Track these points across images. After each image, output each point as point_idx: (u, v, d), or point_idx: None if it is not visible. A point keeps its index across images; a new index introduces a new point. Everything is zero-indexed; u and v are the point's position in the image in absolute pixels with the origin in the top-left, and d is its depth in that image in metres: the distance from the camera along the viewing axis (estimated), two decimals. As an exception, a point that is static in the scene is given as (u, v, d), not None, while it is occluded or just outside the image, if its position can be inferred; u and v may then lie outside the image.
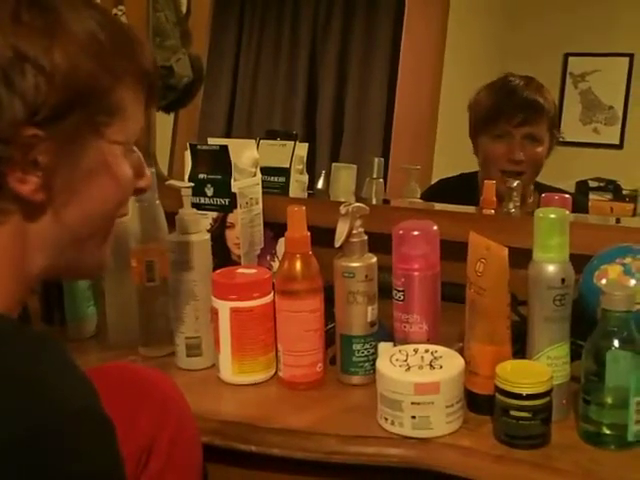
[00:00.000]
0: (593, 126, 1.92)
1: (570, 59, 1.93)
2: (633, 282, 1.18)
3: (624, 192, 1.85)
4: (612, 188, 1.88)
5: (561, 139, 1.87)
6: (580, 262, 1.24)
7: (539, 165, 1.83)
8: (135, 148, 0.96)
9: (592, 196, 1.88)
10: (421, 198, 1.85)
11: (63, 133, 0.85)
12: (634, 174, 1.83)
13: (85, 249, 0.95)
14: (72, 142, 0.86)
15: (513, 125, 1.81)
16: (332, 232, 1.24)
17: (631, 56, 1.86)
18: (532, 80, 1.83)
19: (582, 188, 1.89)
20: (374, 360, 1.21)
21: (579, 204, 1.74)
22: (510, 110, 1.83)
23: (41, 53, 0.82)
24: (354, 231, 1.23)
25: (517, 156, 1.81)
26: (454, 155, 2.03)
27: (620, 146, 1.91)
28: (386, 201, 1.87)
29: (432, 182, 1.97)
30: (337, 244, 1.23)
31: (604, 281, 1.20)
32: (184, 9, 2.18)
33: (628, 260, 1.21)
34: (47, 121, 0.83)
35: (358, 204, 1.23)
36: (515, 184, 1.67)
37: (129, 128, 0.93)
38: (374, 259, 1.24)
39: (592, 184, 1.89)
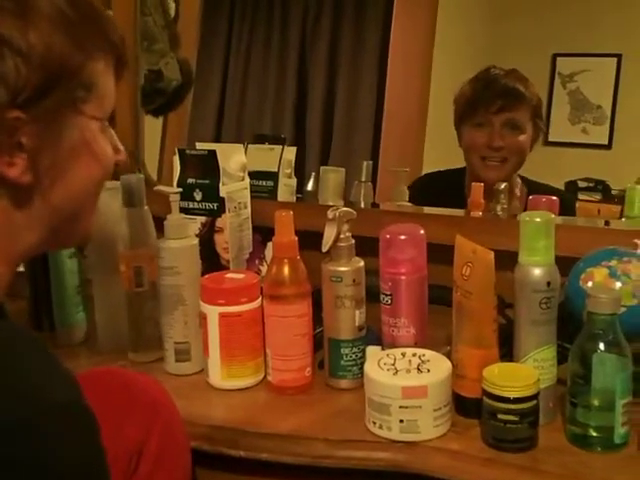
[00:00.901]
0: (582, 126, 1.93)
1: (559, 59, 1.93)
2: (619, 285, 1.18)
3: (613, 192, 1.86)
4: (601, 188, 1.89)
5: (545, 133, 1.88)
6: (567, 265, 1.24)
7: (521, 154, 1.83)
8: (107, 124, 0.97)
9: (581, 196, 1.89)
10: (408, 189, 1.85)
11: (44, 113, 0.86)
12: (623, 174, 1.83)
13: (73, 225, 0.97)
14: (53, 121, 0.87)
15: (492, 112, 1.82)
16: (320, 236, 1.24)
17: (619, 56, 1.87)
18: (514, 71, 1.83)
19: (571, 188, 1.90)
20: (362, 364, 1.21)
21: (567, 205, 1.74)
22: (488, 97, 1.83)
23: (17, 35, 0.83)
24: (342, 235, 1.23)
25: (496, 142, 1.81)
26: (443, 157, 2.03)
27: (609, 146, 1.91)
28: (375, 204, 1.88)
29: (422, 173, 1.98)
30: (325, 248, 1.23)
31: (590, 284, 1.20)
32: (172, 13, 2.17)
33: (614, 263, 1.21)
34: (28, 102, 0.84)
35: (346, 209, 1.23)
36: (502, 186, 1.68)
37: (104, 102, 0.93)
38: (361, 263, 1.25)
39: (581, 184, 1.90)
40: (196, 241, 1.35)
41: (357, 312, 1.24)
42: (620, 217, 1.64)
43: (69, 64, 0.87)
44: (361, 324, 1.25)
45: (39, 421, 0.71)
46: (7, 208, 0.88)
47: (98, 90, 0.91)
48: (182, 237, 1.32)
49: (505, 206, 1.69)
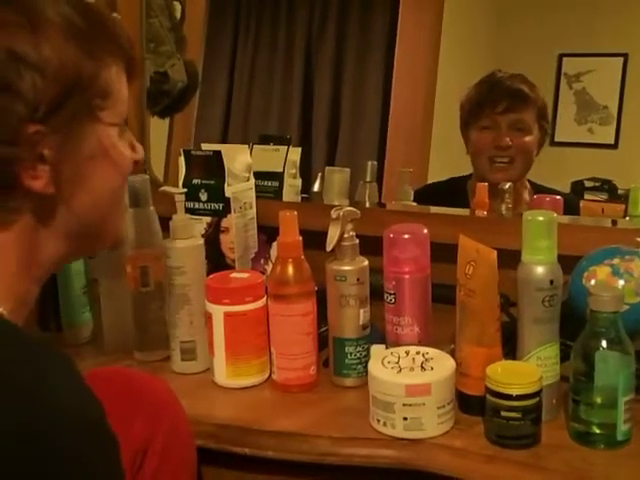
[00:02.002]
0: (588, 126, 1.93)
1: (564, 59, 1.94)
2: (621, 283, 1.19)
3: (619, 192, 1.86)
4: (607, 188, 1.89)
5: (551, 134, 1.88)
6: (571, 263, 1.25)
7: (529, 154, 1.84)
8: (125, 127, 0.98)
9: (587, 196, 1.89)
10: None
11: (63, 124, 0.86)
12: (629, 174, 1.83)
13: (100, 230, 0.98)
14: (72, 131, 0.88)
15: (498, 113, 1.83)
16: (325, 235, 1.25)
17: (625, 56, 1.87)
18: (519, 75, 1.85)
19: (577, 188, 1.90)
20: (366, 362, 1.22)
21: (570, 206, 1.75)
22: (494, 98, 1.84)
23: (31, 50, 0.83)
24: (346, 235, 1.24)
25: (504, 142, 1.82)
26: (449, 158, 2.04)
27: (615, 146, 1.92)
28: (381, 204, 1.88)
29: (428, 182, 1.98)
30: (329, 248, 1.24)
31: (593, 282, 1.21)
32: (178, 15, 2.19)
33: (616, 261, 1.22)
34: (46, 115, 0.85)
35: (349, 208, 1.24)
36: (507, 186, 1.68)
37: (119, 107, 0.94)
38: (366, 262, 1.25)
39: (587, 184, 1.90)
40: (202, 241, 1.36)
41: (361, 311, 1.25)
42: (624, 216, 1.64)
43: (84, 73, 0.88)
44: (365, 323, 1.26)
45: (58, 435, 0.72)
46: (32, 221, 0.89)
47: (113, 96, 0.92)
48: (188, 237, 1.33)
49: (510, 205, 1.70)
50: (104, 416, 0.79)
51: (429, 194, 1.90)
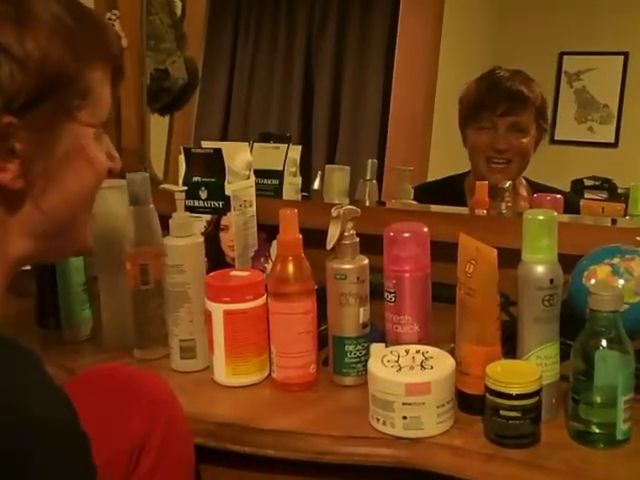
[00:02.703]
0: (588, 125, 1.93)
1: (565, 58, 1.94)
2: (621, 282, 1.19)
3: (619, 191, 1.86)
4: (607, 187, 1.89)
5: (551, 132, 1.89)
6: (571, 262, 1.25)
7: (525, 155, 1.84)
8: (102, 131, 0.98)
9: (587, 194, 1.89)
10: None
11: (39, 119, 0.86)
12: (629, 172, 1.83)
13: (67, 233, 0.97)
14: (47, 128, 0.88)
15: (497, 115, 1.83)
16: (325, 234, 1.25)
17: (626, 54, 1.87)
18: (519, 72, 1.85)
19: (577, 187, 1.90)
20: (366, 361, 1.22)
21: (571, 205, 1.75)
22: (493, 100, 1.84)
23: (14, 42, 0.84)
24: (346, 233, 1.23)
25: (501, 145, 1.83)
26: (449, 156, 2.04)
27: (615, 144, 1.91)
28: (381, 203, 1.89)
29: (426, 180, 1.98)
30: (329, 246, 1.24)
31: (593, 281, 1.21)
32: (179, 12, 2.19)
33: (616, 260, 1.22)
34: (22, 109, 0.85)
35: (350, 207, 1.24)
36: (506, 185, 1.69)
37: (99, 110, 0.94)
38: (366, 261, 1.25)
39: (587, 183, 1.90)
40: (201, 239, 1.36)
41: (361, 309, 1.24)
42: (624, 215, 1.64)
43: (66, 72, 0.88)
44: (365, 321, 1.25)
45: (24, 432, 0.72)
46: None
47: (94, 98, 0.92)
48: (188, 235, 1.33)
49: (509, 204, 1.70)
50: (73, 415, 0.79)
51: (426, 192, 1.90)
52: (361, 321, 1.25)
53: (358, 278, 1.24)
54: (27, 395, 0.75)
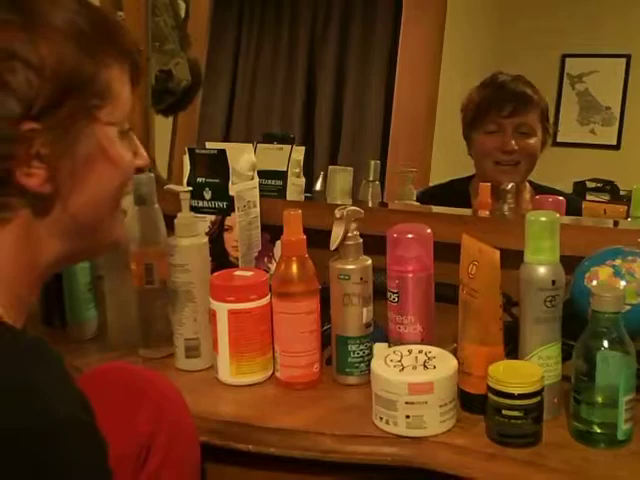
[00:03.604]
0: (590, 127, 1.93)
1: (567, 60, 1.94)
2: (623, 284, 1.20)
3: (622, 193, 1.87)
4: (610, 189, 1.89)
5: (554, 134, 1.89)
6: (573, 264, 1.25)
7: (533, 157, 1.85)
8: (128, 128, 0.99)
9: (589, 196, 1.89)
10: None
11: (59, 123, 0.87)
12: (631, 175, 1.84)
13: (97, 232, 0.98)
14: (69, 130, 0.89)
15: (503, 116, 1.83)
16: (328, 234, 1.26)
17: (628, 57, 1.87)
18: (520, 76, 1.85)
19: (580, 189, 1.90)
20: (369, 361, 1.22)
21: (572, 206, 1.76)
22: (499, 102, 1.85)
23: (28, 48, 0.85)
24: (349, 234, 1.24)
25: (510, 146, 1.82)
26: (451, 158, 2.04)
27: (617, 147, 1.91)
28: (384, 204, 1.89)
29: (430, 184, 1.98)
30: (332, 247, 1.25)
31: (595, 283, 1.22)
32: (183, 14, 2.20)
33: (618, 262, 1.22)
34: (42, 113, 0.86)
35: (353, 208, 1.25)
36: (509, 186, 1.69)
37: (119, 109, 0.95)
38: (369, 261, 1.26)
39: (590, 185, 1.90)
40: (206, 239, 1.37)
41: (364, 310, 1.25)
42: (626, 217, 1.65)
43: (82, 73, 0.89)
44: (368, 321, 1.26)
45: (49, 432, 0.73)
46: (28, 219, 0.90)
47: (113, 97, 0.93)
48: (192, 235, 1.34)
49: (512, 205, 1.71)
50: (95, 419, 0.80)
51: (431, 196, 1.91)
52: (364, 321, 1.26)
53: (361, 278, 1.25)
54: (54, 401, 0.76)
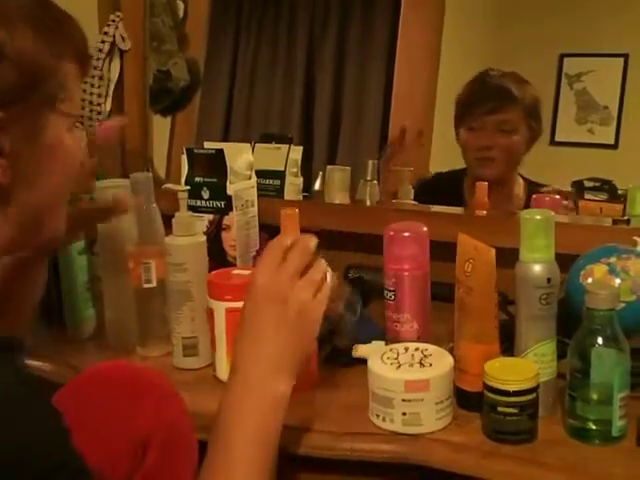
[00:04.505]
0: (588, 126, 1.93)
1: (565, 59, 1.94)
2: (618, 281, 1.21)
3: (619, 192, 1.87)
4: (607, 188, 1.89)
5: (551, 133, 1.90)
6: (568, 262, 1.26)
7: (514, 154, 1.85)
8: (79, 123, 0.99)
9: (587, 196, 1.90)
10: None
11: (24, 113, 0.88)
12: (629, 174, 1.84)
13: (46, 222, 0.98)
14: (33, 120, 0.90)
15: (483, 113, 1.84)
16: (326, 233, 1.26)
17: (626, 56, 1.87)
18: (512, 73, 1.86)
19: (577, 188, 1.91)
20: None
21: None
22: (480, 98, 1.86)
23: None
24: None
25: (485, 142, 1.84)
26: (449, 157, 2.04)
27: (615, 146, 1.92)
28: (382, 203, 1.90)
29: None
30: None
31: (590, 280, 1.22)
32: (181, 13, 2.20)
33: (613, 260, 1.23)
34: (9, 103, 0.86)
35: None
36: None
37: (75, 102, 0.97)
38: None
39: (587, 184, 1.91)
40: (204, 238, 1.37)
41: None
42: (623, 216, 1.65)
43: (46, 65, 0.90)
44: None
45: None
46: None
47: (69, 90, 0.94)
48: (190, 234, 1.35)
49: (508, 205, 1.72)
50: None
51: (424, 188, 1.92)
52: None
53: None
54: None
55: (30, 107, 0.89)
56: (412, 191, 1.86)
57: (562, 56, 1.93)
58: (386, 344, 1.26)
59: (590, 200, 1.87)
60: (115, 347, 1.43)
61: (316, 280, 1.03)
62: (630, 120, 1.87)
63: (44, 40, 0.89)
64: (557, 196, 1.75)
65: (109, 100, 2.05)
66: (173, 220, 1.35)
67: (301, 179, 1.81)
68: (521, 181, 1.87)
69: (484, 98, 1.85)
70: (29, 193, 0.92)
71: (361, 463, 1.11)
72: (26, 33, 0.87)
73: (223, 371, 1.29)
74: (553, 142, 1.93)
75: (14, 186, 0.90)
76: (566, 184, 1.88)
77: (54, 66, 0.91)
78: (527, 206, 1.82)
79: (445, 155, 2.04)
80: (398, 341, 1.24)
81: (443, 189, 1.92)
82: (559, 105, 1.93)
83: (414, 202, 1.85)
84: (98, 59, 2.00)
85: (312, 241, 1.05)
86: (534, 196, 1.77)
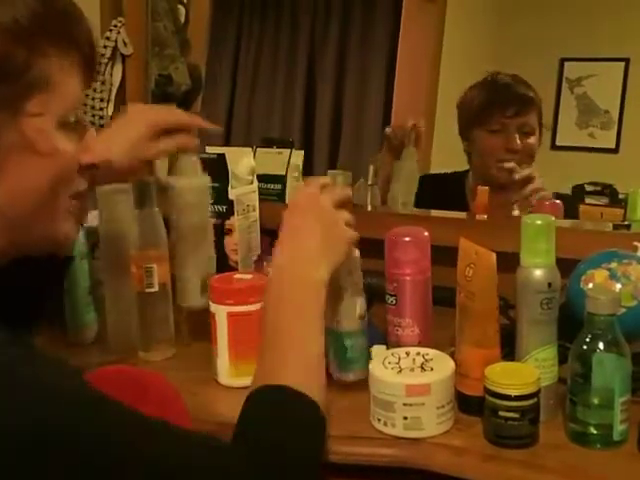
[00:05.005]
0: (589, 130, 1.94)
1: (566, 64, 1.95)
2: (618, 286, 1.21)
3: (620, 196, 1.87)
4: (608, 192, 1.90)
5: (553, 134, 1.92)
6: (570, 266, 1.26)
7: (533, 155, 1.88)
8: (83, 121, 0.98)
9: (588, 200, 1.90)
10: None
11: None
12: (630, 178, 1.85)
13: (33, 227, 0.96)
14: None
15: (508, 117, 1.86)
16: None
17: (627, 61, 1.88)
18: (517, 76, 1.89)
19: (578, 192, 1.91)
20: (369, 354, 1.24)
21: (569, 209, 1.77)
22: (504, 103, 1.88)
23: None
24: None
25: (515, 145, 1.87)
26: (450, 161, 2.05)
27: (616, 150, 1.93)
28: (383, 207, 1.90)
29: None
30: None
31: (590, 285, 1.23)
32: (182, 18, 2.21)
33: (614, 265, 1.23)
34: None
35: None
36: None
37: (59, 99, 0.94)
38: (357, 252, 1.25)
39: (588, 188, 1.91)
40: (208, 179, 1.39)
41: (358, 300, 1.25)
42: (623, 220, 1.66)
43: (9, 63, 0.88)
44: (362, 313, 1.26)
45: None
46: None
47: (51, 87, 0.92)
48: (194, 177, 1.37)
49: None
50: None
51: (426, 188, 1.93)
52: (358, 312, 1.25)
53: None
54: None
55: None
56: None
57: (563, 60, 1.94)
58: (387, 349, 1.26)
59: (591, 205, 1.88)
60: (117, 351, 1.43)
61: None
62: (631, 124, 1.88)
63: (8, 38, 0.87)
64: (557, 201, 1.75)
65: (111, 105, 2.06)
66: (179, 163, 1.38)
67: (302, 183, 1.81)
68: None
69: (508, 102, 1.87)
70: (11, 194, 0.92)
71: (362, 467, 1.11)
72: None
73: (225, 375, 1.29)
74: (554, 146, 1.94)
75: None
76: (567, 188, 1.88)
77: (21, 62, 0.88)
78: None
79: (445, 159, 2.05)
80: (399, 345, 1.24)
81: (445, 190, 1.93)
82: (560, 109, 1.94)
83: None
84: (100, 64, 2.01)
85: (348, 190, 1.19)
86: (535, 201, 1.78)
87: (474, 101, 1.91)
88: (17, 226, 0.95)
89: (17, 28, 0.88)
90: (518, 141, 1.86)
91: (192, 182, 1.37)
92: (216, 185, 1.49)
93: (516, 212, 1.78)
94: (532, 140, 1.87)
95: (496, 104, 1.89)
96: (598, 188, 1.90)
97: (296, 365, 1.02)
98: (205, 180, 1.38)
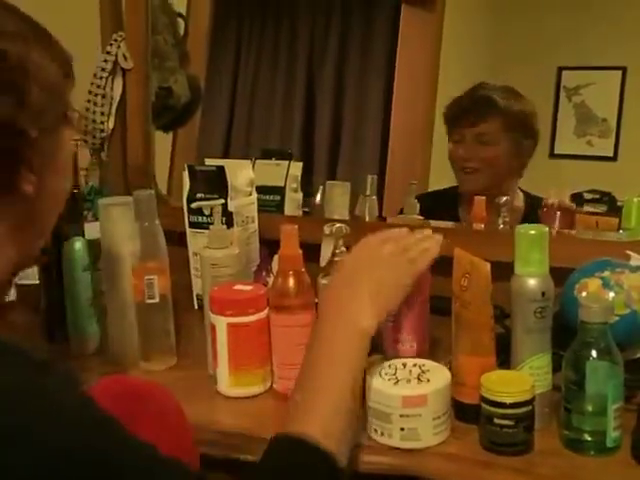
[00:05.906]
0: (587, 139, 1.95)
1: (564, 72, 1.95)
2: (611, 295, 1.22)
3: (619, 204, 1.88)
4: (607, 200, 1.91)
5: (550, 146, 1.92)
6: (563, 275, 1.28)
7: (495, 166, 1.89)
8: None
9: (587, 208, 1.91)
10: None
11: (49, 131, 0.92)
12: (628, 186, 1.85)
13: (40, 238, 1.01)
14: (55, 137, 0.94)
15: (465, 126, 1.89)
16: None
17: (624, 69, 1.89)
18: (505, 87, 1.90)
19: (577, 200, 1.92)
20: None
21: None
22: (460, 111, 1.92)
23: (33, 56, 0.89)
24: (337, 250, 1.26)
25: (465, 154, 1.90)
26: (449, 171, 2.06)
27: (614, 158, 1.93)
28: (381, 218, 1.92)
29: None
30: (323, 263, 1.27)
31: (584, 294, 1.24)
32: (182, 31, 2.22)
33: (607, 274, 1.25)
34: (40, 122, 0.90)
35: (339, 225, 1.26)
36: (503, 200, 1.72)
37: (75, 114, 1.00)
38: None
39: (587, 196, 1.92)
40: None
41: None
42: (618, 229, 1.67)
43: (61, 83, 0.94)
44: None
45: None
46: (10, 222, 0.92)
47: (71, 104, 0.98)
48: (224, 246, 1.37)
49: (507, 219, 1.74)
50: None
51: (424, 201, 1.94)
52: None
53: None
54: None
55: (53, 124, 0.93)
56: (417, 205, 1.88)
57: (560, 69, 1.94)
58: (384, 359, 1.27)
59: (589, 213, 1.89)
60: (118, 362, 1.44)
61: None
62: (629, 132, 1.88)
63: (51, 58, 0.93)
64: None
65: (112, 118, 2.08)
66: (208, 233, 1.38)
67: (301, 194, 1.83)
68: (520, 194, 1.89)
69: (464, 111, 1.89)
70: (37, 208, 0.95)
71: (359, 475, 1.12)
72: (40, 52, 0.91)
73: (225, 385, 1.30)
74: (552, 155, 1.94)
75: (32, 202, 0.93)
76: (565, 196, 1.89)
77: (65, 84, 0.95)
78: (526, 218, 1.84)
79: (445, 169, 2.05)
80: (396, 357, 1.25)
81: (438, 206, 1.94)
82: (558, 118, 1.94)
83: (420, 217, 1.87)
84: (101, 78, 2.03)
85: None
86: (542, 212, 1.79)
87: (446, 112, 1.94)
88: (34, 238, 0.98)
89: (55, 52, 0.95)
90: (470, 153, 1.88)
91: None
92: (215, 197, 1.50)
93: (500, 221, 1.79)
94: (493, 150, 1.88)
95: (456, 114, 1.91)
96: (597, 196, 1.91)
97: (323, 412, 1.01)
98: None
